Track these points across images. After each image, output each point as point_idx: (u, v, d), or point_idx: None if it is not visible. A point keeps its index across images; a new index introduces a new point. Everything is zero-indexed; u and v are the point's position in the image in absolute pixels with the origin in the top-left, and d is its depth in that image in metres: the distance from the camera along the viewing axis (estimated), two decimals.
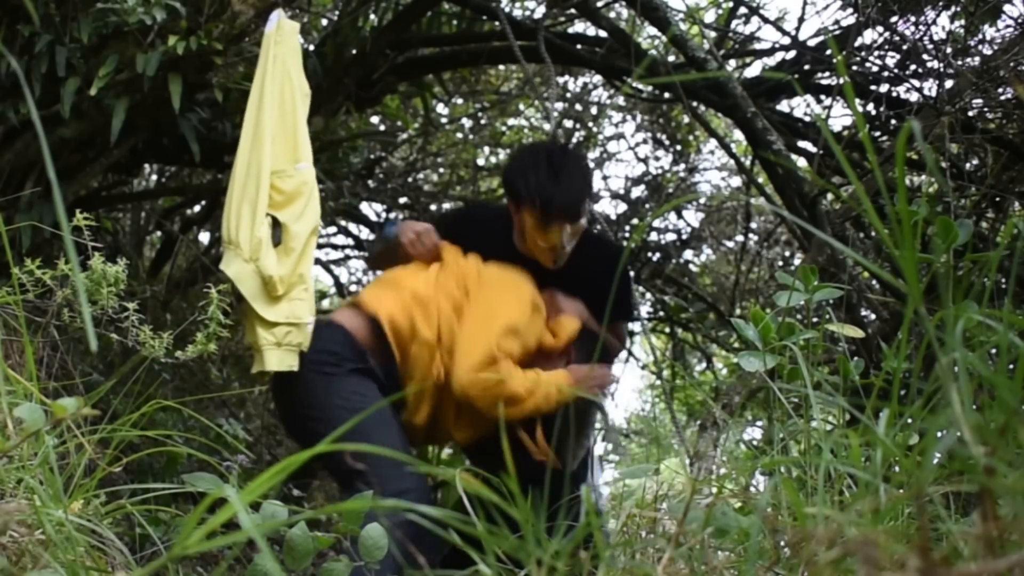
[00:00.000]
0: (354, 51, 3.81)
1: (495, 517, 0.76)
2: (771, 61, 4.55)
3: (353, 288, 6.84)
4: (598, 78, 5.61)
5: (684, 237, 6.17)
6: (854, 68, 3.63)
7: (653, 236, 6.14)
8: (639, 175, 6.14)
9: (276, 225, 2.14)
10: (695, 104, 4.15)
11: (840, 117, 5.44)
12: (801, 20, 4.06)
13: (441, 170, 6.46)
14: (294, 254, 2.12)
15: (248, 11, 2.62)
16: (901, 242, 0.61)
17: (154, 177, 5.06)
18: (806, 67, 4.16)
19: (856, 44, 3.48)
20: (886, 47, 3.57)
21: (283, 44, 2.27)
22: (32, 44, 2.61)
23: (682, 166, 6.07)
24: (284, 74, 2.24)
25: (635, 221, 5.80)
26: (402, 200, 5.93)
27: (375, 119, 5.43)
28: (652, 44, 5.00)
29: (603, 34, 4.24)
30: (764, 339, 1.41)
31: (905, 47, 3.32)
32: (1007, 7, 3.17)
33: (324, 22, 4.66)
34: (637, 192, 6.09)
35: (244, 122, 2.21)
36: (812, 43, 4.04)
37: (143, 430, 1.35)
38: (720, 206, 6.14)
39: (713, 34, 4.41)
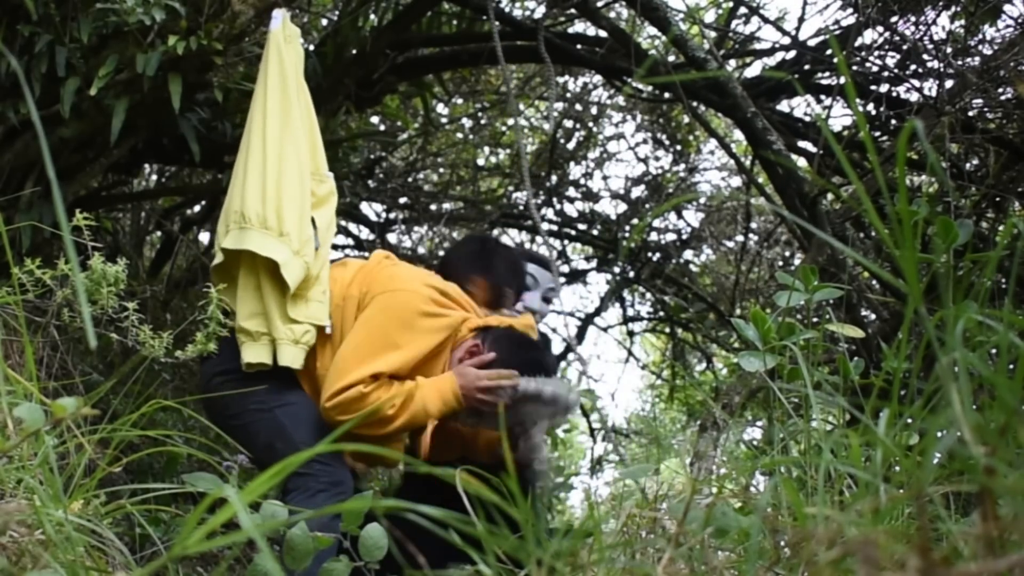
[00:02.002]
0: (354, 51, 3.81)
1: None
2: (771, 61, 4.56)
3: None
4: (598, 78, 5.61)
5: (684, 237, 6.17)
6: (854, 68, 3.63)
7: (653, 236, 6.14)
8: (639, 175, 6.15)
9: (313, 226, 2.17)
10: (695, 104, 4.15)
11: (840, 117, 5.45)
12: (801, 20, 4.06)
13: (441, 170, 6.46)
14: (321, 259, 2.16)
15: (248, 11, 2.62)
16: (901, 242, 0.61)
17: (154, 177, 5.06)
18: (806, 67, 4.16)
19: (856, 44, 3.48)
20: (886, 47, 3.57)
21: (291, 45, 2.29)
22: (32, 44, 2.62)
23: (682, 166, 6.07)
24: (298, 79, 2.28)
25: (635, 221, 5.80)
26: (402, 200, 5.93)
27: (375, 119, 5.43)
28: (652, 44, 5.00)
29: (603, 34, 4.24)
30: (764, 339, 1.41)
31: (905, 47, 3.32)
32: (1007, 7, 3.17)
33: (324, 22, 4.66)
34: (637, 192, 6.10)
35: (264, 109, 2.19)
36: (812, 43, 4.04)
37: (143, 430, 1.35)
38: (720, 206, 6.14)
39: (713, 34, 4.41)
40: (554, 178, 6.05)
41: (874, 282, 3.59)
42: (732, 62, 4.59)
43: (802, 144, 4.11)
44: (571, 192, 6.28)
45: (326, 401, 2.01)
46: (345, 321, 2.14)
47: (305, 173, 2.17)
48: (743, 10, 4.55)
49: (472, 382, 2.07)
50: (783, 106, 4.60)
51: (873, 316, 3.60)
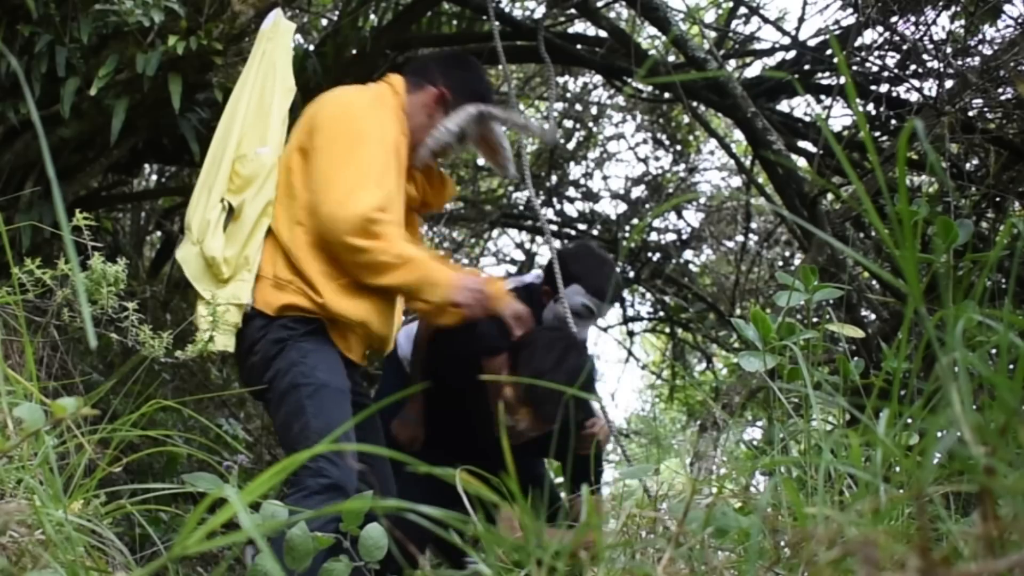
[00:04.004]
0: (354, 51, 3.81)
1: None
2: (771, 61, 4.56)
3: None
4: (598, 78, 5.61)
5: (684, 237, 6.17)
6: (854, 68, 3.63)
7: (653, 236, 6.14)
8: (639, 175, 6.15)
9: (231, 210, 2.12)
10: (695, 104, 4.16)
11: (840, 117, 5.45)
12: (801, 20, 4.06)
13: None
14: (242, 237, 2.10)
15: (248, 11, 2.62)
16: (901, 242, 0.61)
17: (154, 177, 5.06)
18: (806, 67, 4.16)
19: (856, 44, 3.48)
20: (886, 47, 3.57)
21: (275, 40, 2.26)
22: (32, 44, 2.62)
23: (682, 166, 6.07)
24: (269, 66, 2.24)
25: (635, 221, 5.80)
26: None
27: None
28: (652, 44, 5.00)
29: (603, 34, 4.25)
30: (764, 339, 1.41)
31: (905, 47, 3.32)
32: (1007, 7, 3.18)
33: (324, 22, 4.66)
34: (637, 192, 6.10)
35: (223, 116, 2.21)
36: (812, 43, 4.04)
37: (143, 430, 1.35)
38: (720, 206, 6.14)
39: (713, 34, 4.41)
40: (554, 178, 6.05)
41: (874, 282, 3.59)
42: (732, 62, 4.59)
43: (802, 144, 4.11)
44: (571, 192, 6.28)
45: (330, 224, 1.89)
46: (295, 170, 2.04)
47: (225, 161, 2.12)
48: (743, 10, 4.55)
49: (478, 288, 2.01)
50: (783, 106, 4.61)
51: (873, 316, 3.61)
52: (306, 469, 1.87)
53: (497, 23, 3.42)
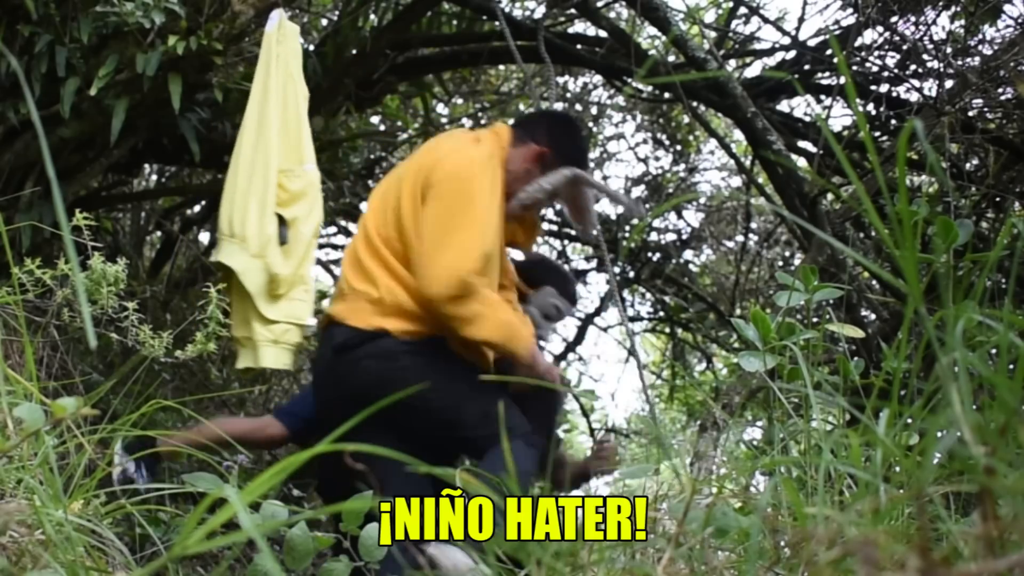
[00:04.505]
0: (354, 51, 3.81)
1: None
2: (771, 61, 4.56)
3: None
4: (598, 78, 5.61)
5: (684, 237, 6.17)
6: (854, 68, 3.63)
7: (653, 236, 6.14)
8: (639, 175, 6.15)
9: (282, 223, 2.16)
10: (695, 104, 4.15)
11: (840, 117, 5.45)
12: (801, 20, 4.06)
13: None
14: (297, 255, 2.15)
15: (248, 11, 2.62)
16: (901, 242, 0.61)
17: (154, 177, 5.06)
18: (806, 67, 4.16)
19: (856, 44, 3.48)
20: (886, 47, 3.57)
21: (285, 44, 2.28)
22: (32, 44, 2.61)
23: (682, 166, 6.07)
24: (287, 75, 2.27)
25: (635, 221, 5.80)
26: None
27: (375, 119, 5.43)
28: (652, 44, 5.00)
29: (603, 34, 4.24)
30: (764, 339, 1.41)
31: (905, 47, 3.32)
32: (1007, 7, 3.18)
33: (324, 22, 4.66)
34: (637, 192, 6.09)
35: (245, 118, 2.22)
36: (812, 43, 4.04)
37: (143, 430, 1.35)
38: (720, 206, 6.14)
39: (713, 34, 4.41)
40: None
41: (874, 282, 3.59)
42: (732, 62, 4.59)
43: (802, 144, 4.11)
44: None
45: (434, 286, 1.96)
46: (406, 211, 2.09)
47: (272, 171, 2.16)
48: (743, 10, 4.55)
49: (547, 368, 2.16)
50: (783, 106, 4.61)
51: (873, 316, 3.60)
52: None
53: (497, 23, 3.42)
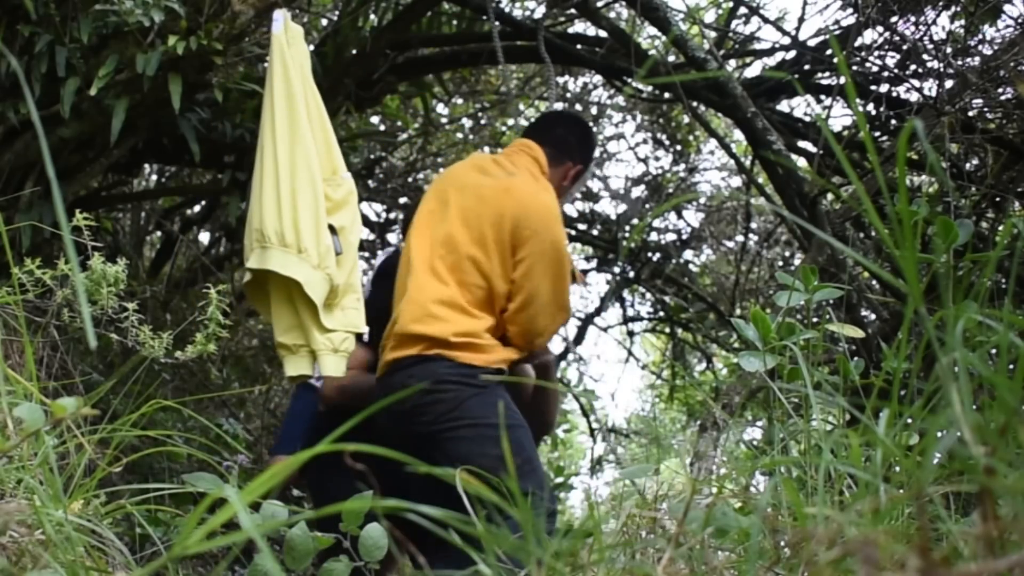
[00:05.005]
0: (354, 51, 3.81)
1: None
2: (771, 61, 4.55)
3: None
4: (598, 78, 5.60)
5: (684, 237, 6.17)
6: (854, 68, 3.63)
7: (653, 236, 6.14)
8: (639, 175, 6.15)
9: (333, 232, 2.16)
10: (695, 104, 4.15)
11: (840, 117, 5.45)
12: (801, 20, 4.06)
13: (441, 170, 6.46)
14: (348, 264, 2.15)
15: (248, 11, 2.62)
16: (901, 242, 0.61)
17: (154, 177, 5.06)
18: (806, 67, 4.16)
19: (856, 44, 3.48)
20: (886, 47, 3.57)
21: (295, 47, 2.27)
22: (32, 44, 2.61)
23: (682, 166, 6.07)
24: (304, 79, 2.25)
25: (635, 221, 5.80)
26: (402, 200, 5.93)
27: (375, 119, 5.43)
28: (652, 44, 5.00)
29: (603, 34, 4.24)
30: (764, 339, 1.41)
31: (905, 47, 3.32)
32: (1007, 7, 3.17)
33: (324, 22, 4.66)
34: (637, 192, 6.09)
35: (270, 122, 2.18)
36: (812, 43, 4.04)
37: (143, 430, 1.35)
38: (720, 206, 6.14)
39: (713, 34, 4.40)
40: None
41: (874, 282, 3.59)
42: (732, 62, 4.58)
43: (802, 144, 4.11)
44: None
45: (553, 332, 2.33)
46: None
47: (317, 181, 2.16)
48: (743, 10, 4.55)
49: None
50: (783, 106, 4.60)
51: (873, 316, 3.60)
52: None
53: (497, 23, 3.42)
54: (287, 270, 2.04)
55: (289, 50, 2.25)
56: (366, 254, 6.21)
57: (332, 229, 2.16)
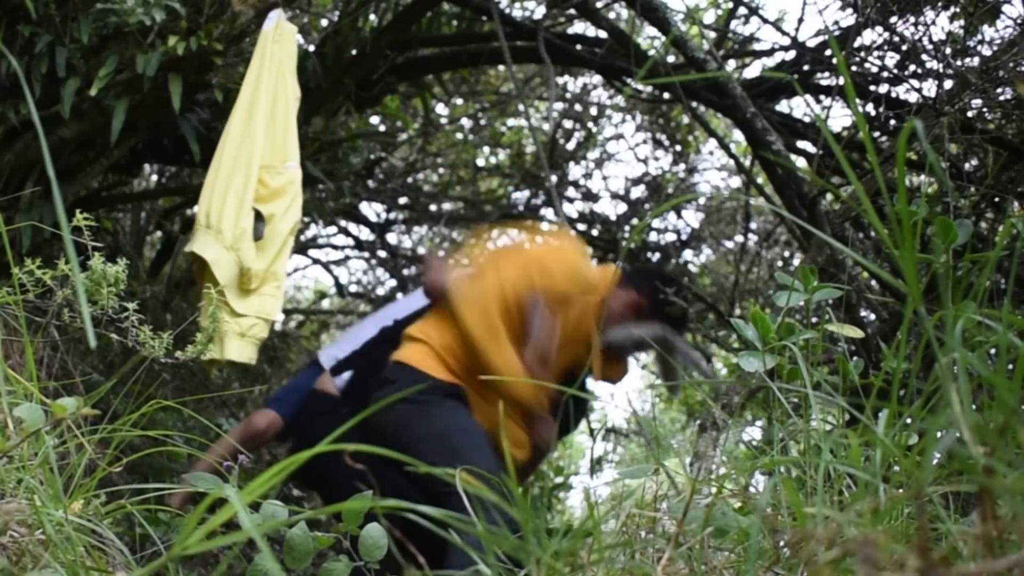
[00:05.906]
0: (354, 51, 3.80)
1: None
2: (771, 61, 4.55)
3: (352, 288, 6.83)
4: (598, 78, 5.61)
5: (684, 237, 6.17)
6: (854, 68, 3.63)
7: (653, 236, 6.14)
8: (639, 175, 6.15)
9: (259, 218, 2.17)
10: (695, 104, 4.15)
11: (840, 117, 5.45)
12: (801, 20, 4.06)
13: (441, 170, 6.46)
14: (272, 251, 2.15)
15: (248, 11, 2.62)
16: (901, 242, 0.61)
17: (154, 177, 5.06)
18: (806, 67, 4.16)
19: (855, 44, 3.48)
20: (885, 47, 3.57)
21: (280, 44, 2.29)
22: (32, 44, 2.61)
23: (682, 166, 6.07)
24: (279, 74, 2.27)
25: (635, 221, 5.81)
26: (402, 200, 5.93)
27: (375, 119, 5.43)
28: (652, 44, 5.00)
29: (603, 34, 4.24)
30: (763, 339, 1.41)
31: (905, 47, 3.32)
32: (1007, 7, 3.17)
33: (324, 22, 4.66)
34: (637, 192, 6.10)
35: (233, 113, 2.23)
36: (812, 43, 4.04)
37: (143, 430, 1.35)
38: (720, 206, 6.14)
39: (713, 34, 4.41)
40: (554, 178, 6.04)
41: (874, 282, 3.59)
42: (732, 62, 4.59)
43: (802, 144, 4.11)
44: (571, 192, 6.29)
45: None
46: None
47: (253, 167, 2.18)
48: (743, 10, 4.55)
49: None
50: (783, 106, 4.60)
51: (873, 316, 3.60)
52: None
53: (498, 25, 3.42)
54: (201, 249, 2.07)
55: (273, 46, 2.28)
56: (365, 254, 6.21)
57: (259, 215, 2.17)
